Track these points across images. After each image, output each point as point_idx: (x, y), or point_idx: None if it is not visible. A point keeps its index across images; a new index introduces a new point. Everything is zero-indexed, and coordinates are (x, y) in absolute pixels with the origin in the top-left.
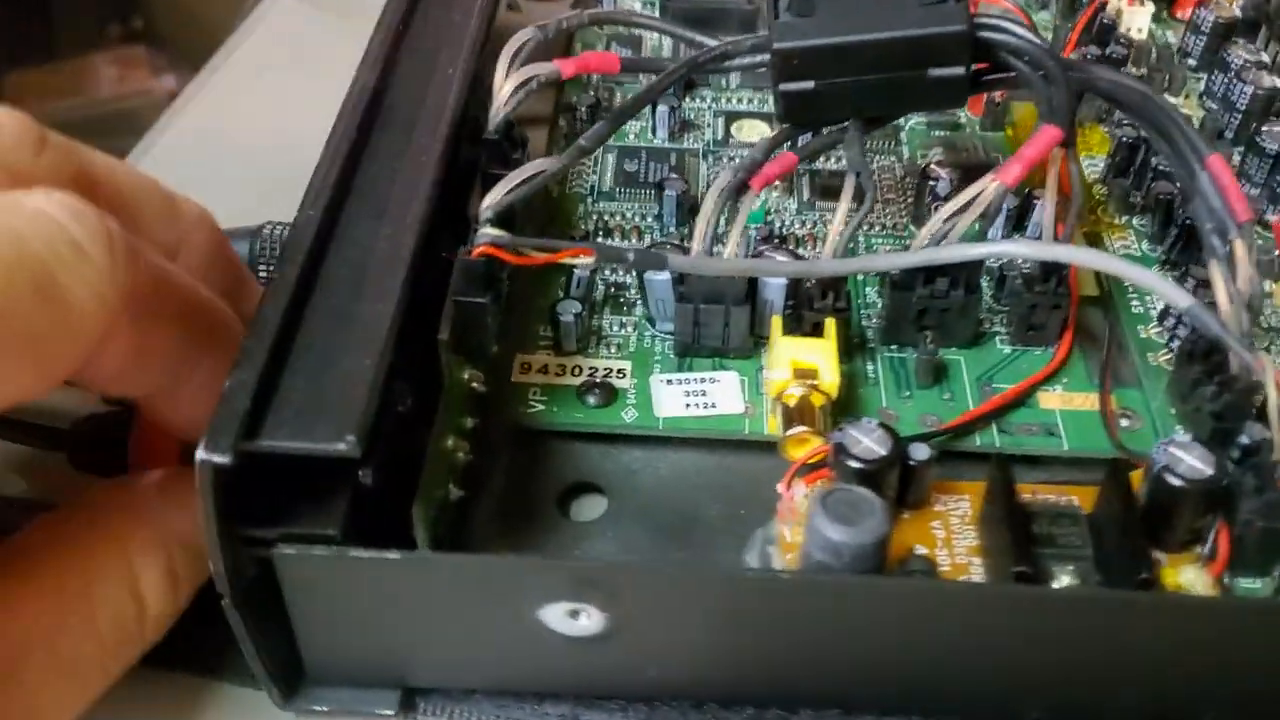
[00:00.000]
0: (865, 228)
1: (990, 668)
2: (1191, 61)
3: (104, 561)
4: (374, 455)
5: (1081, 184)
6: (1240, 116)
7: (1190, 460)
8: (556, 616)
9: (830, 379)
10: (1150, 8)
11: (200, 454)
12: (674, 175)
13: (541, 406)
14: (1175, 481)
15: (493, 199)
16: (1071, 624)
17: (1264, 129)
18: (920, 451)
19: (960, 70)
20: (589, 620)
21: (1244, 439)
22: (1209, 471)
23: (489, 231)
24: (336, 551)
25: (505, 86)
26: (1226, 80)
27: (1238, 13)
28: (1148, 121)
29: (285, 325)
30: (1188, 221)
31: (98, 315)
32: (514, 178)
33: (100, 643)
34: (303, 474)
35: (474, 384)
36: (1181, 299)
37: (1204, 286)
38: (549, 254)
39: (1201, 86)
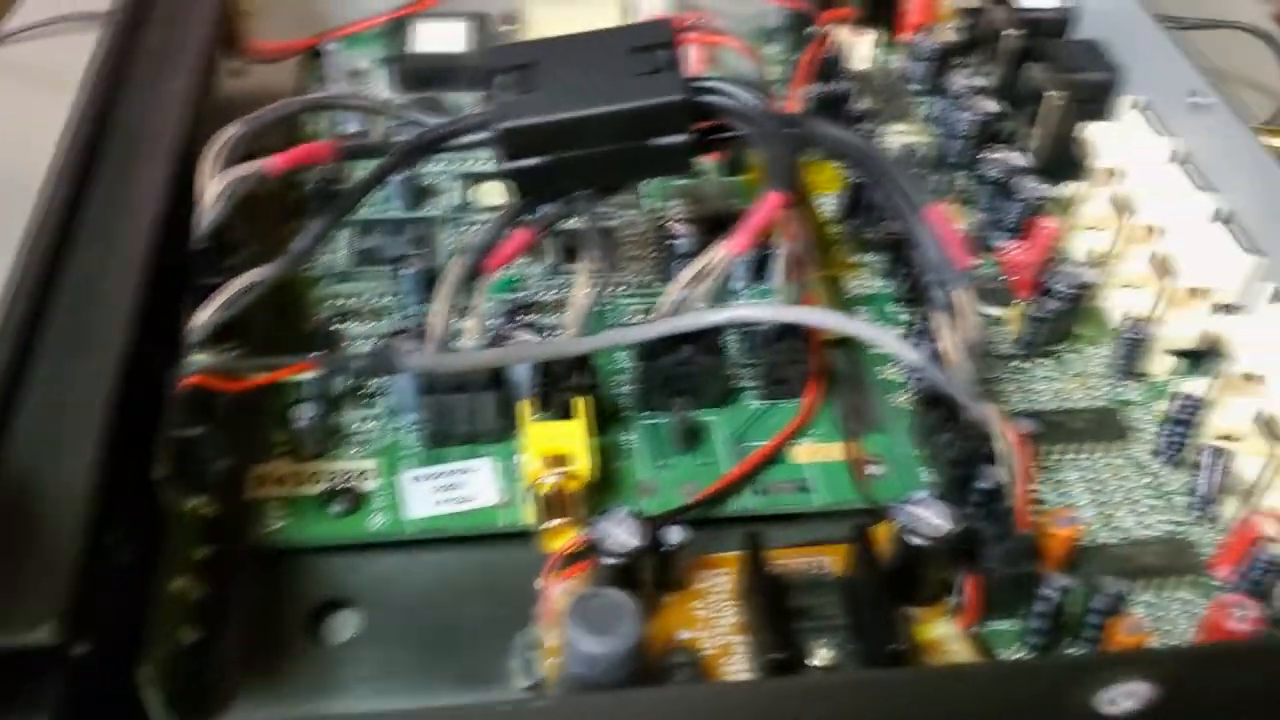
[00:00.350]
0: (613, 287)
1: None
2: (917, 87)
3: None
4: (90, 624)
5: (812, 237)
6: (964, 143)
7: (930, 519)
8: None
9: (582, 464)
10: (873, 36)
11: None
12: (412, 251)
13: (282, 522)
14: (918, 541)
15: (201, 319)
16: (829, 704)
17: (984, 155)
18: (674, 535)
19: (681, 138)
20: None
21: (981, 484)
22: (948, 528)
23: (199, 358)
24: None
25: (209, 191)
26: (949, 106)
27: (955, 36)
28: (867, 173)
29: None
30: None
31: None
32: (224, 292)
33: None
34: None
35: (201, 511)
36: (909, 354)
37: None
38: (269, 374)
39: (926, 111)
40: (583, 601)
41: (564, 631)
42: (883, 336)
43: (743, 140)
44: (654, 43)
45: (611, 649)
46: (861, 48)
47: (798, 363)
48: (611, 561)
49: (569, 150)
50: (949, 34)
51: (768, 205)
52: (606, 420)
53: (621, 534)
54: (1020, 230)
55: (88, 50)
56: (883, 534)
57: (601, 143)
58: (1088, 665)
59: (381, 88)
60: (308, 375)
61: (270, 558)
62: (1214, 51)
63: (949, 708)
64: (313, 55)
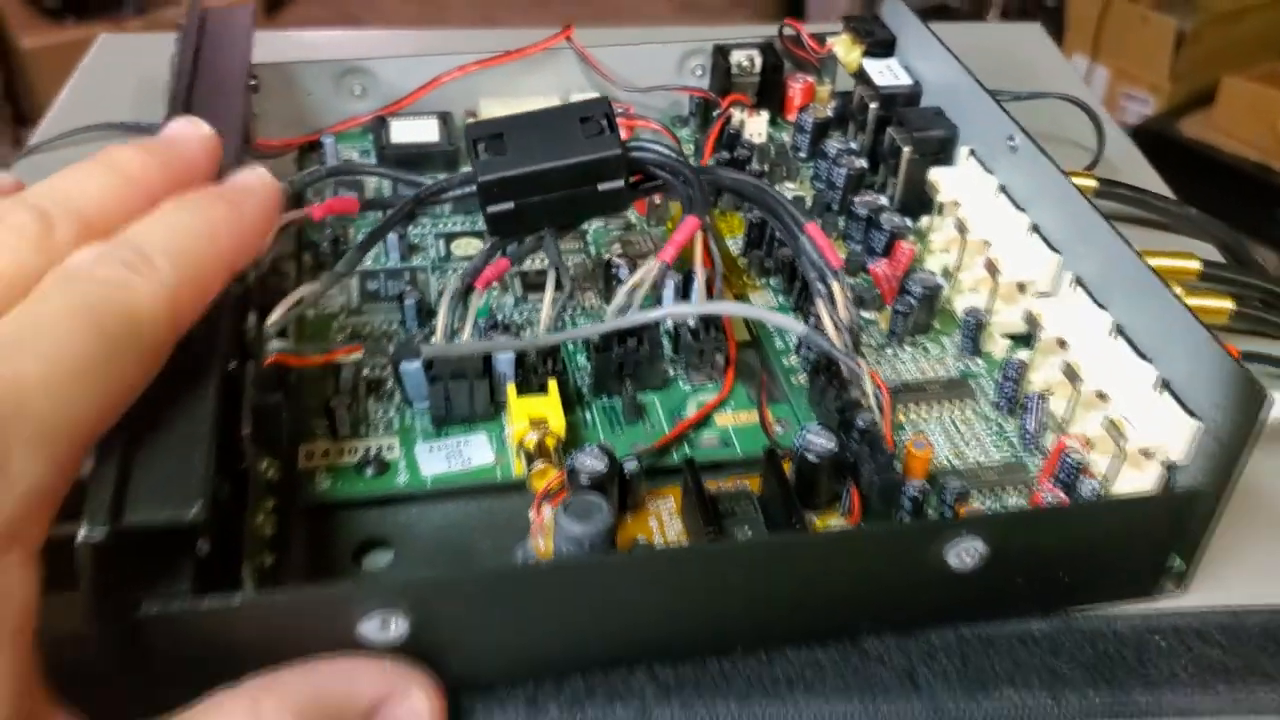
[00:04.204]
0: (569, 311)
1: (700, 608)
2: (802, 154)
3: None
4: (207, 530)
5: (721, 255)
6: (840, 192)
7: (820, 441)
8: (371, 628)
9: (557, 423)
10: (765, 115)
11: (80, 535)
12: (410, 287)
13: (328, 484)
14: (811, 458)
15: (275, 318)
16: (749, 565)
17: (855, 199)
18: (630, 464)
19: (620, 183)
20: (396, 628)
21: (860, 423)
22: (833, 447)
23: (276, 344)
24: (190, 603)
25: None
26: (827, 166)
27: (830, 113)
28: (762, 206)
29: (132, 429)
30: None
31: None
32: (288, 300)
33: None
34: (153, 554)
35: (270, 472)
36: (798, 327)
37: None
38: (326, 355)
39: (811, 172)
40: (568, 502)
41: (556, 524)
42: (779, 318)
43: (665, 185)
44: (596, 114)
45: (593, 530)
46: (756, 125)
47: (719, 351)
48: (586, 481)
49: (533, 196)
50: (825, 112)
51: (688, 226)
52: (571, 402)
53: (593, 462)
54: (886, 253)
55: None
56: (787, 466)
57: (558, 189)
58: (936, 526)
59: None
60: (352, 357)
61: (321, 510)
62: (1041, 118)
63: (839, 563)
64: (307, 150)
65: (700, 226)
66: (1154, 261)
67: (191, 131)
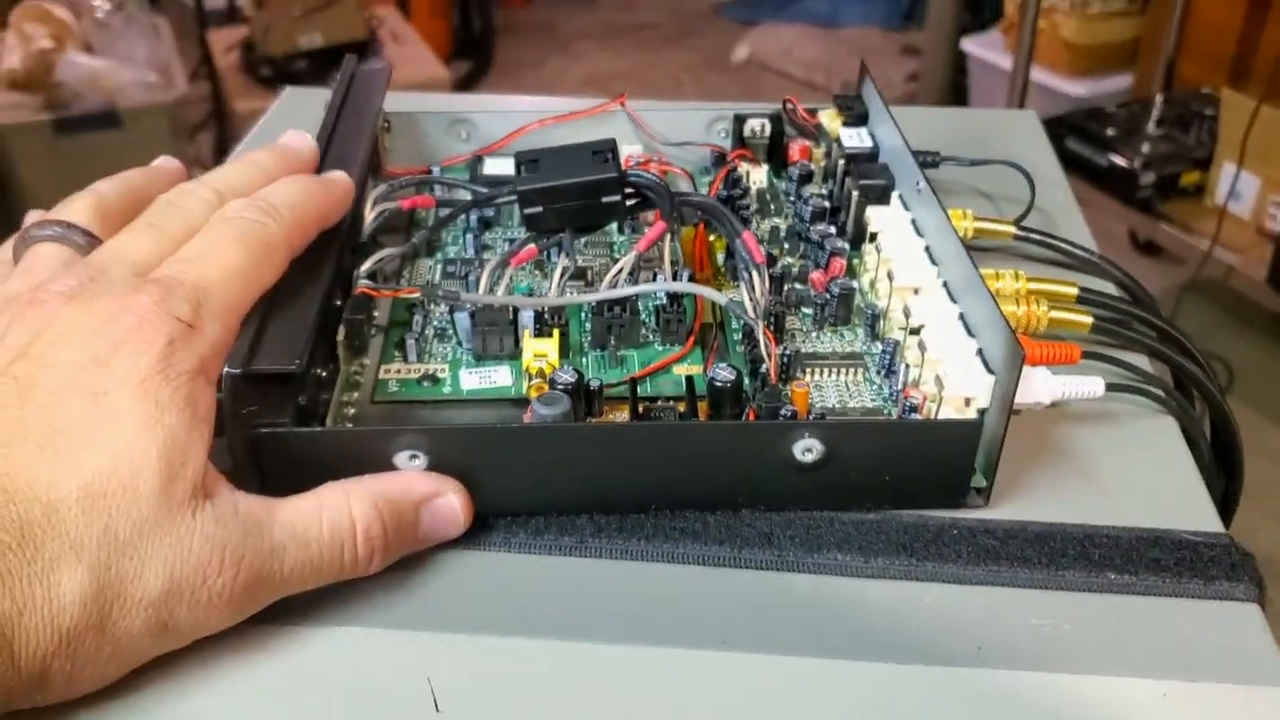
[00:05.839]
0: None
1: (623, 477)
2: (791, 197)
3: (330, 495)
4: (305, 388)
5: (709, 264)
6: (806, 224)
7: (724, 374)
8: (403, 459)
9: (554, 357)
10: (765, 168)
11: (225, 370)
12: (476, 270)
13: (396, 388)
14: (717, 383)
15: (365, 267)
16: (648, 440)
17: (813, 228)
18: (594, 383)
19: (617, 197)
20: (419, 461)
21: (762, 369)
22: (732, 377)
23: (366, 281)
24: (288, 430)
25: (369, 216)
26: (800, 205)
27: (813, 168)
28: (715, 218)
29: (265, 316)
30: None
31: None
32: (375, 256)
33: (324, 539)
34: (270, 395)
35: (356, 374)
36: (721, 299)
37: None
38: (394, 291)
39: (792, 209)
40: (542, 396)
41: (530, 411)
42: (709, 291)
43: (649, 201)
44: (604, 148)
45: (555, 412)
46: (758, 175)
47: (682, 322)
48: (560, 387)
49: (555, 204)
50: (809, 166)
51: (658, 227)
52: (574, 352)
53: (566, 376)
54: (825, 266)
55: None
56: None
57: (573, 199)
58: (781, 425)
59: (466, 195)
60: (413, 296)
61: (390, 406)
62: (992, 180)
63: (713, 445)
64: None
65: (667, 229)
66: (1038, 285)
67: (300, 141)
